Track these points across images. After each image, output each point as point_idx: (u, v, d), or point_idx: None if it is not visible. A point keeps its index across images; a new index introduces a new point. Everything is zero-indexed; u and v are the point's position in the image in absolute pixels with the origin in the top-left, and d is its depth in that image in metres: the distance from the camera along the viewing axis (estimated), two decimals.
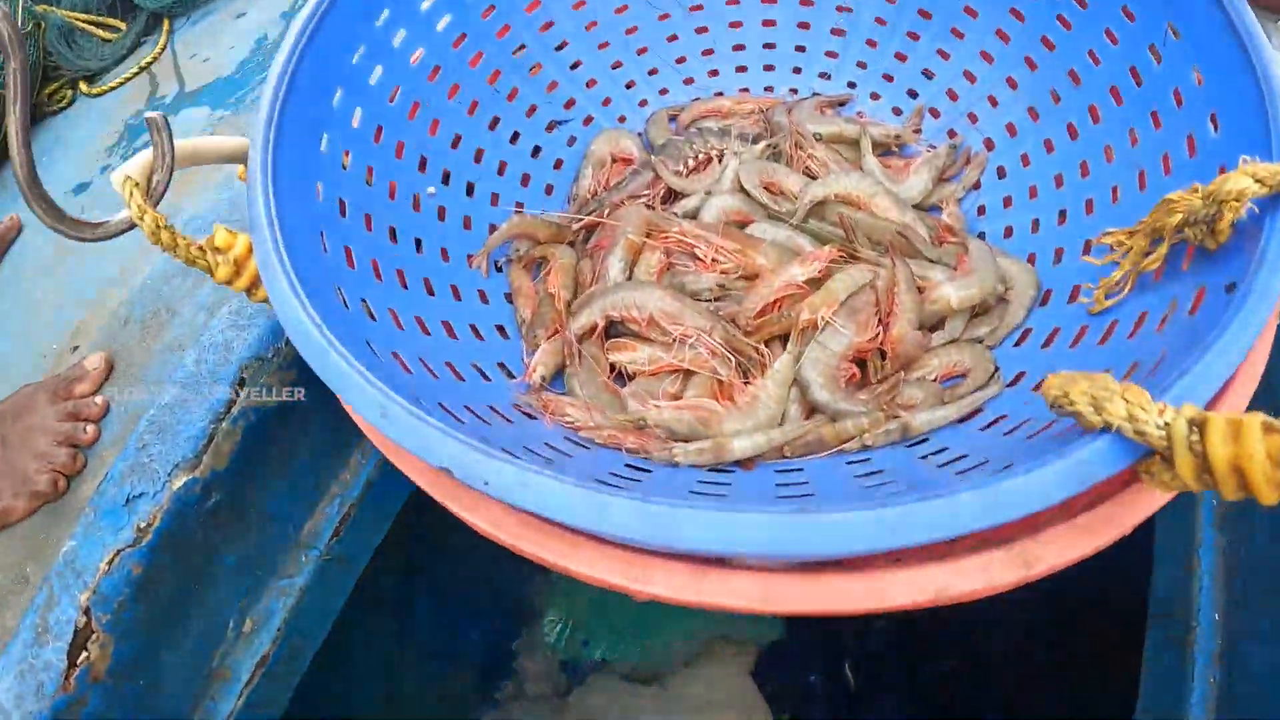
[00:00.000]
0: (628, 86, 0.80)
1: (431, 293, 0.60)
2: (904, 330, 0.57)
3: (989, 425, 0.50)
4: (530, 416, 0.54)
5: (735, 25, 0.80)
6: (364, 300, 0.51)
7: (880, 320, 0.57)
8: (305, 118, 0.51)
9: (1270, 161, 0.38)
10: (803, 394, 0.55)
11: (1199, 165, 0.48)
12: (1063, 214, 0.61)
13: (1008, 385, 0.53)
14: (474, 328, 0.61)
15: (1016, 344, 0.58)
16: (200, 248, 0.47)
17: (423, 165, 0.64)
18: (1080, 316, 0.53)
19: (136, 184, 0.47)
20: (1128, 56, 0.56)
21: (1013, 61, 0.67)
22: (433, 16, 0.65)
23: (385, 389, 0.37)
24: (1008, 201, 0.67)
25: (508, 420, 0.51)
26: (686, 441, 0.51)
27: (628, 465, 0.50)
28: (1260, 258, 0.37)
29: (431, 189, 0.65)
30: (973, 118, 0.71)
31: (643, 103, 0.81)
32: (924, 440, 0.51)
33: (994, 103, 0.69)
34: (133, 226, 0.48)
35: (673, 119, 0.79)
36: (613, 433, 0.52)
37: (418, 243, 0.61)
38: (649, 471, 0.49)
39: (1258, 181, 0.37)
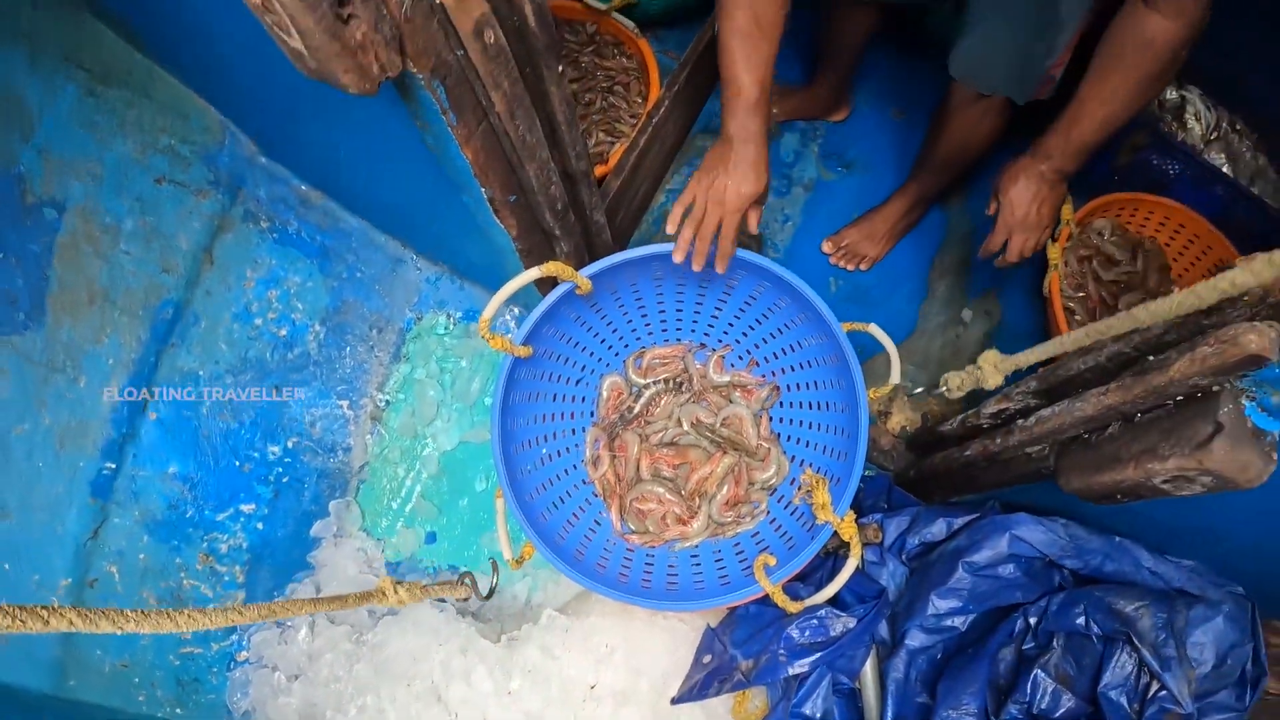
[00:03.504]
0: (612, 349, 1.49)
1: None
2: (745, 489, 1.41)
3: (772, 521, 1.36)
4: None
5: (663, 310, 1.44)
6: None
7: (736, 481, 1.41)
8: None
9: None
10: (708, 514, 1.39)
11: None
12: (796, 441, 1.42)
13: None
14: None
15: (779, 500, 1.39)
16: None
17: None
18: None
19: None
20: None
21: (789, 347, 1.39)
22: None
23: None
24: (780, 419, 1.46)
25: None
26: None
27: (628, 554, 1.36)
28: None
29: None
30: (776, 373, 1.46)
31: (618, 353, 1.49)
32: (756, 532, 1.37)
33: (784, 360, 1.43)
34: None
35: (637, 359, 1.50)
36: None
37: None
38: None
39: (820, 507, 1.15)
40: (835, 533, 1.15)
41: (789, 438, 1.44)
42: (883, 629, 1.25)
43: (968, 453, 1.25)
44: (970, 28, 1.35)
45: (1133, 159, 1.70)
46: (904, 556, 1.32)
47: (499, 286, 1.10)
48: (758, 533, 1.36)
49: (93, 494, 1.42)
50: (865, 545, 1.31)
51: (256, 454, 1.49)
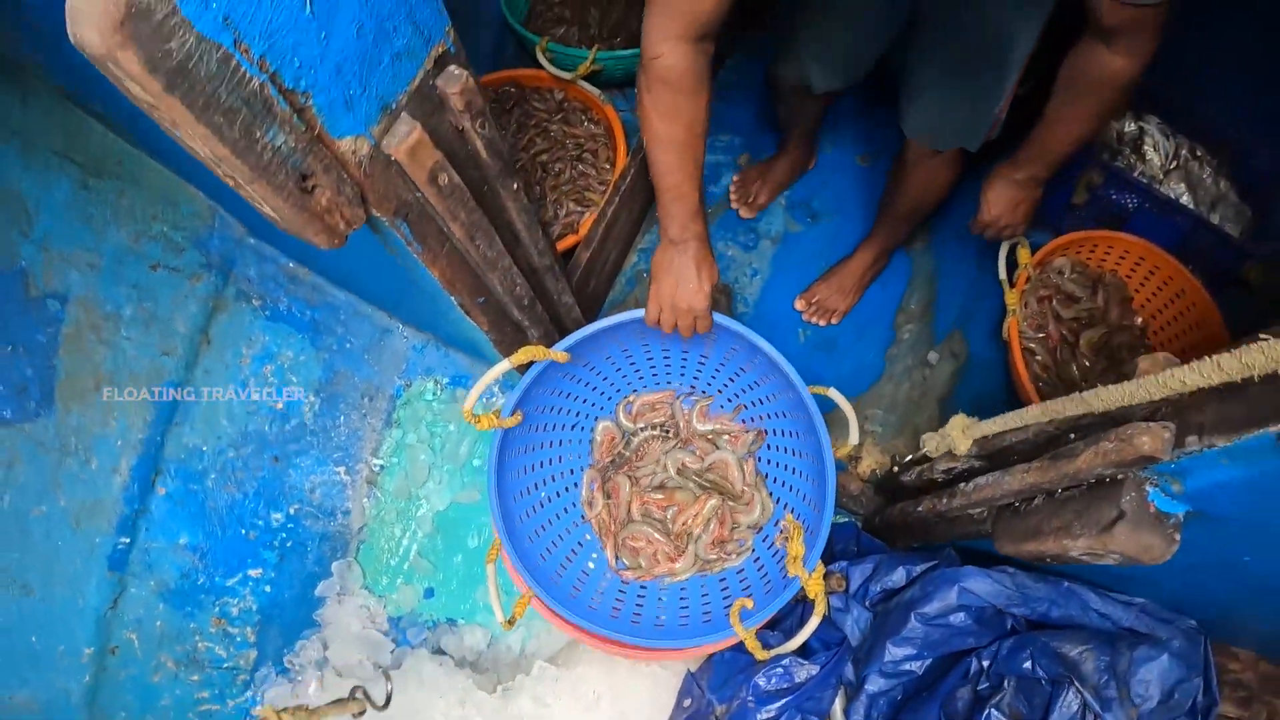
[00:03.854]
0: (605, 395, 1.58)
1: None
2: (730, 530, 1.51)
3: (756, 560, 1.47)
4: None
5: (651, 361, 1.52)
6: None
7: (721, 522, 1.51)
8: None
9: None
10: (694, 553, 1.49)
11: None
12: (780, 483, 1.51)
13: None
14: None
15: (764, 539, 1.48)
16: None
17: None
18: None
19: None
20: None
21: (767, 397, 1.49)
22: None
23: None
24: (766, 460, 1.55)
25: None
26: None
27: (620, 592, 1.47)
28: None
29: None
30: (760, 417, 1.55)
31: (610, 398, 1.59)
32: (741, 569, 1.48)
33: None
34: None
35: (628, 404, 1.60)
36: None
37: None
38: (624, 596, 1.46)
39: (793, 560, 1.29)
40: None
41: (774, 479, 1.53)
42: (849, 671, 1.36)
43: (920, 509, 1.34)
44: (920, 91, 1.42)
45: (1089, 197, 1.77)
46: (867, 602, 1.41)
47: (480, 355, 1.19)
48: (742, 570, 1.47)
49: (110, 567, 1.53)
50: (830, 593, 1.41)
51: (261, 521, 1.60)
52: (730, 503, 1.53)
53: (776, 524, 1.48)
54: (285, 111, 0.80)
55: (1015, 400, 1.66)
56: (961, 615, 1.28)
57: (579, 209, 1.68)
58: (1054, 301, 1.71)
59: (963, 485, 1.21)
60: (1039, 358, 1.68)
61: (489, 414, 1.24)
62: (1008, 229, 1.51)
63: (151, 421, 1.56)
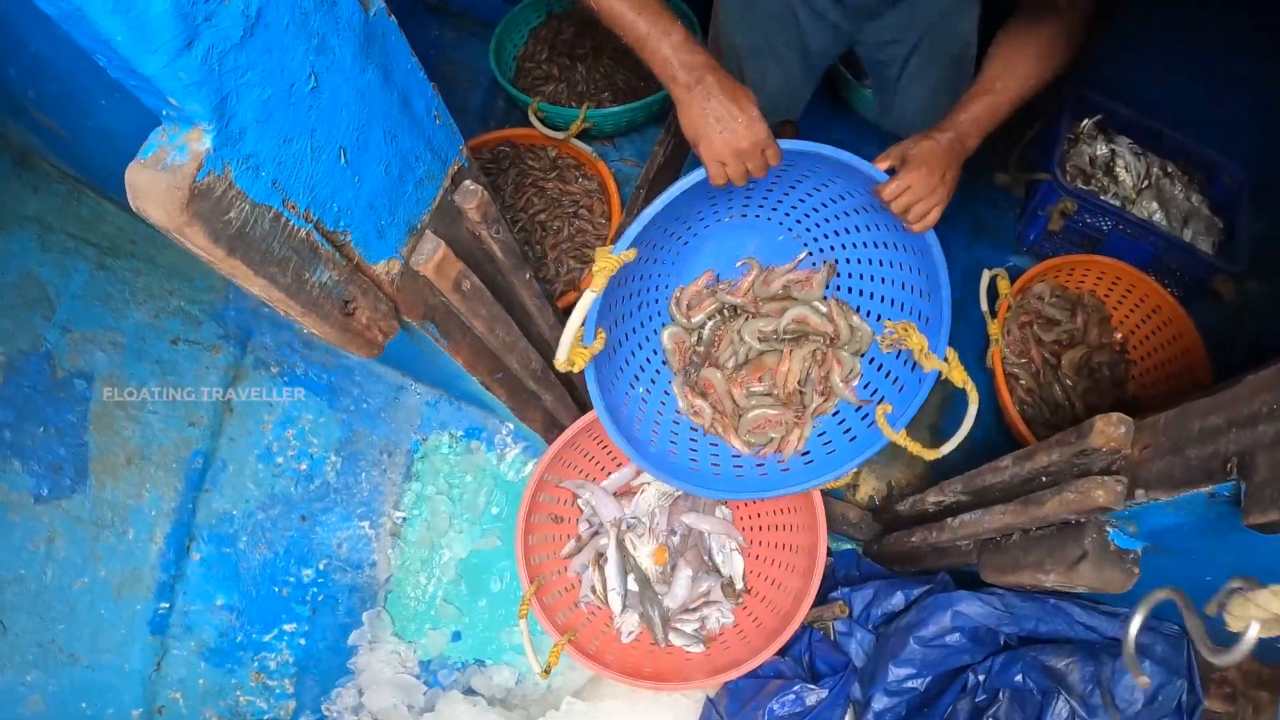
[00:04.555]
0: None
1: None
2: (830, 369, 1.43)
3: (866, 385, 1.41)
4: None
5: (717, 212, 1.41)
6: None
7: (821, 362, 1.44)
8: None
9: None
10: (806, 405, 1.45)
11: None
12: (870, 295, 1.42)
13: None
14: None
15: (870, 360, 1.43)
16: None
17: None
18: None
19: None
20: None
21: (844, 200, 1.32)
22: None
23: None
24: (850, 289, 1.45)
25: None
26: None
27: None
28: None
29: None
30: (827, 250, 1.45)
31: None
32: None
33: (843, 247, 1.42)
34: None
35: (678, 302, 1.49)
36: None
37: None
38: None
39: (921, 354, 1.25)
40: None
41: (868, 294, 1.43)
42: (856, 690, 1.48)
43: (913, 540, 1.46)
44: (904, 89, 1.54)
45: (1065, 223, 1.89)
46: (870, 625, 1.54)
47: (492, 409, 1.26)
48: (869, 383, 1.43)
49: (152, 632, 1.64)
50: (833, 620, 1.54)
51: (292, 578, 1.71)
52: (820, 341, 1.45)
53: (883, 337, 1.38)
54: (328, 251, 0.91)
55: (1002, 424, 1.79)
56: (956, 635, 1.40)
57: (579, 265, 1.79)
58: (1035, 326, 1.83)
59: (950, 520, 1.34)
60: (1023, 382, 1.80)
61: (577, 347, 1.17)
62: (924, 202, 1.22)
63: (182, 490, 1.67)
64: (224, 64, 0.66)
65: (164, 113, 0.67)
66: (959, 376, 1.23)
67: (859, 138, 2.15)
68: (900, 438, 1.27)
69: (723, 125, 1.07)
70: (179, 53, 0.61)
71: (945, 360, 1.24)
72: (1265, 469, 0.72)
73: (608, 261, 1.13)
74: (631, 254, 1.16)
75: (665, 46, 1.04)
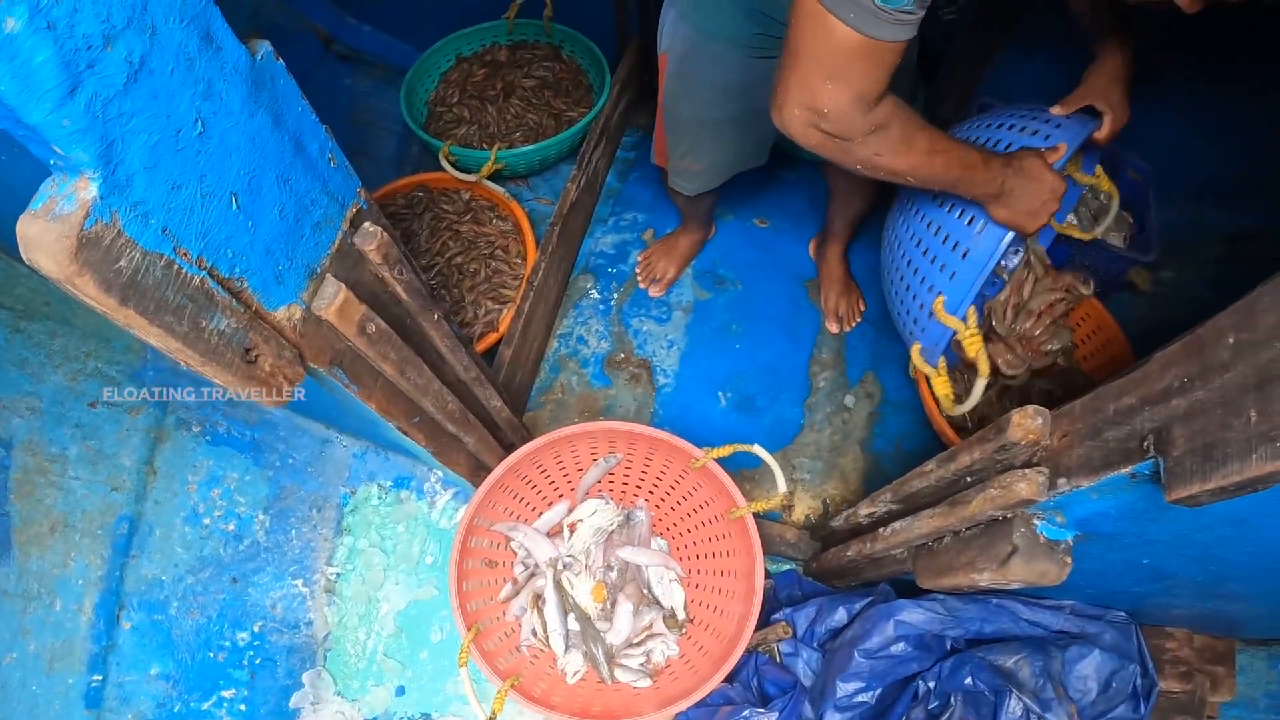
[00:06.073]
0: None
1: None
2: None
3: None
4: None
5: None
6: None
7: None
8: None
9: None
10: None
11: None
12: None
13: None
14: None
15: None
16: None
17: None
18: None
19: None
20: None
21: None
22: None
23: None
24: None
25: None
26: None
27: None
28: None
29: None
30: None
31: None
32: None
33: None
34: None
35: None
36: None
37: None
38: None
39: None
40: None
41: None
42: (807, 710, 1.53)
43: (849, 553, 1.53)
44: None
45: None
46: (815, 643, 1.59)
47: (419, 458, 1.30)
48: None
49: (86, 706, 1.64)
50: (777, 641, 1.59)
51: (228, 642, 1.72)
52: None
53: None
54: (225, 298, 0.95)
55: (932, 432, 1.87)
56: (901, 645, 1.44)
57: (497, 306, 1.84)
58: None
59: (882, 530, 1.40)
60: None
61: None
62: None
63: (109, 557, 1.68)
64: (108, 111, 0.68)
65: (51, 162, 0.69)
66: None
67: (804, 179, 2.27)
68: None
69: (1033, 195, 1.26)
70: (62, 100, 0.63)
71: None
72: (1182, 442, 0.74)
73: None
74: None
75: (980, 173, 1.20)
